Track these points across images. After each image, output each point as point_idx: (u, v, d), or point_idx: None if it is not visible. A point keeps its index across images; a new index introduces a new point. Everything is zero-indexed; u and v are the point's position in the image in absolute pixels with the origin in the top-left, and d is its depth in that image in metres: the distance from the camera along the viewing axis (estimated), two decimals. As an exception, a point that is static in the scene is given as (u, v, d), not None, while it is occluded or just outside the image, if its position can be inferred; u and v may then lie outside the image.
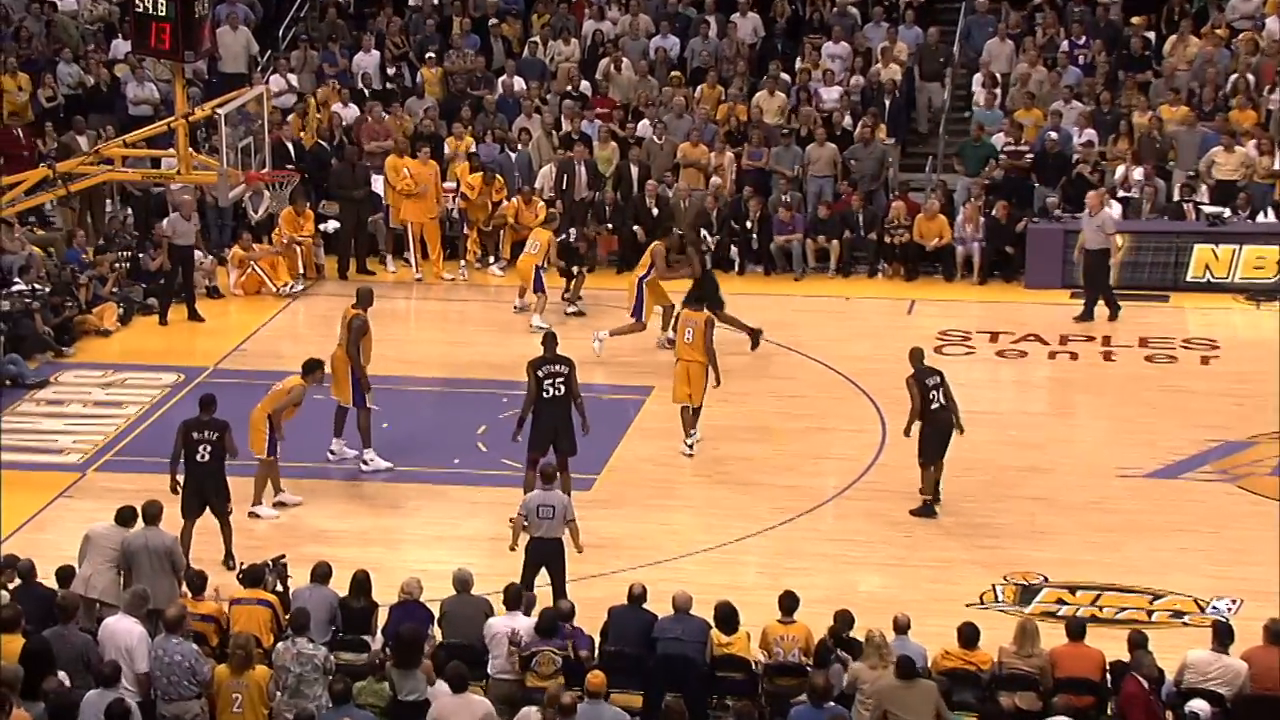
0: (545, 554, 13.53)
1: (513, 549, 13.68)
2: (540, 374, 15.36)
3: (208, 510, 14.53)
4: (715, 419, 17.63)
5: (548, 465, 14.19)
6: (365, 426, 16.62)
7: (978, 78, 24.54)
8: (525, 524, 13.59)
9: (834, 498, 16.25)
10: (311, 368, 15.79)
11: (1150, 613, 13.94)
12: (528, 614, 12.34)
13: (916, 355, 15.87)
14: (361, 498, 16.33)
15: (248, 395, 16.22)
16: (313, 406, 16.35)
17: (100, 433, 17.77)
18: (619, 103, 24.92)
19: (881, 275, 22.69)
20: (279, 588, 12.92)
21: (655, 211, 22.83)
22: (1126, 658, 11.76)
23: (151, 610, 12.03)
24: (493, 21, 26.25)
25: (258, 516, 15.63)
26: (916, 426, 15.47)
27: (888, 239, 22.61)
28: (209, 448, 14.42)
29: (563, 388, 15.34)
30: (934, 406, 15.43)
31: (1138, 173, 22.63)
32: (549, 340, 15.80)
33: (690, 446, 16.97)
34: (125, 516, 13.11)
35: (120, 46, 25.60)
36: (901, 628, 12.08)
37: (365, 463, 16.65)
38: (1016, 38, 25.05)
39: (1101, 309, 20.72)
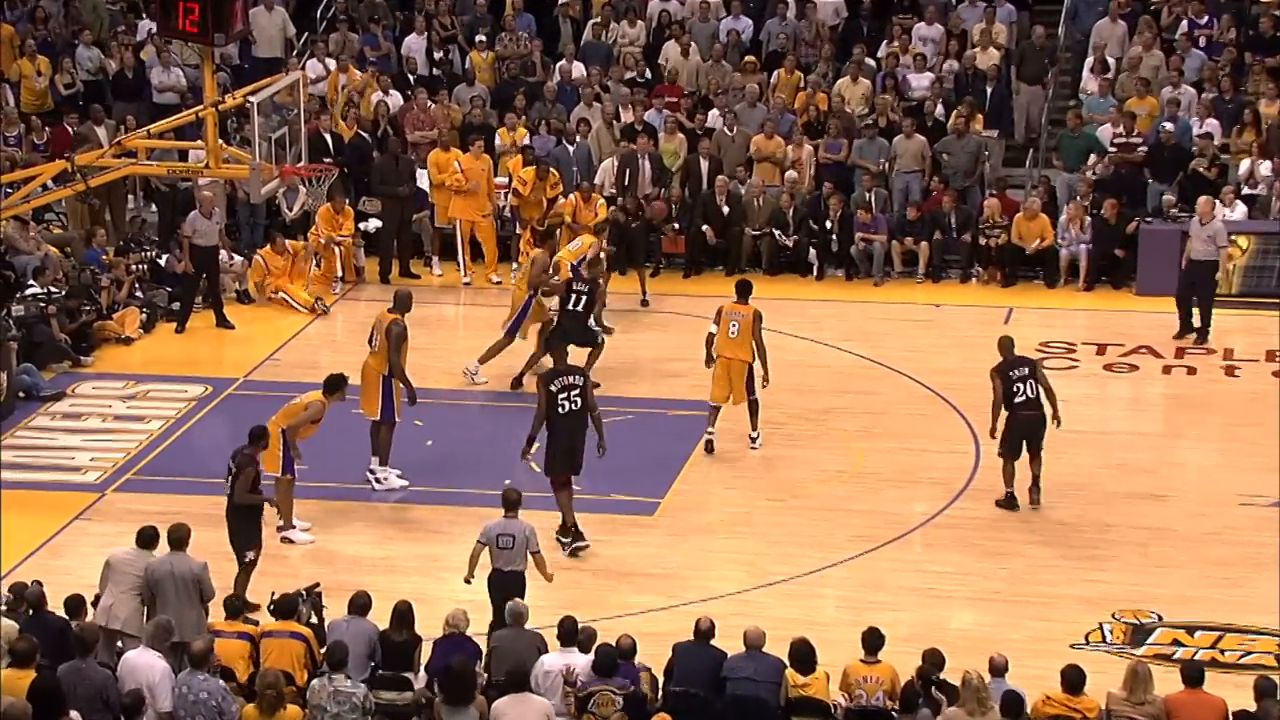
0: (504, 588, 13.47)
1: (468, 581, 13.76)
2: (553, 387, 15.31)
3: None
4: (789, 438, 17.61)
5: (511, 490, 14.09)
6: (386, 442, 16.71)
7: (1087, 63, 24.37)
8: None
9: (922, 525, 16.19)
10: (335, 385, 15.77)
11: (1279, 657, 13.80)
12: (585, 650, 12.36)
13: (1005, 344, 16.32)
14: (403, 522, 16.42)
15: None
16: (348, 421, 16.47)
17: (121, 449, 17.92)
18: (687, 90, 24.96)
19: (976, 280, 22.61)
20: (313, 619, 12.97)
21: (726, 210, 22.86)
22: (1252, 707, 11.65)
23: (176, 643, 12.13)
24: (562, 1, 26.29)
25: (290, 541, 15.74)
26: (1001, 419, 15.92)
27: (983, 240, 22.51)
28: (230, 481, 14.48)
29: (579, 400, 15.32)
30: (1018, 400, 15.88)
31: (1265, 167, 22.41)
32: (561, 351, 15.81)
33: (710, 440, 17.26)
34: (147, 538, 13.15)
35: (147, 28, 25.79)
36: (998, 669, 12.00)
37: (379, 481, 16.73)
38: (1129, 18, 24.87)
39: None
